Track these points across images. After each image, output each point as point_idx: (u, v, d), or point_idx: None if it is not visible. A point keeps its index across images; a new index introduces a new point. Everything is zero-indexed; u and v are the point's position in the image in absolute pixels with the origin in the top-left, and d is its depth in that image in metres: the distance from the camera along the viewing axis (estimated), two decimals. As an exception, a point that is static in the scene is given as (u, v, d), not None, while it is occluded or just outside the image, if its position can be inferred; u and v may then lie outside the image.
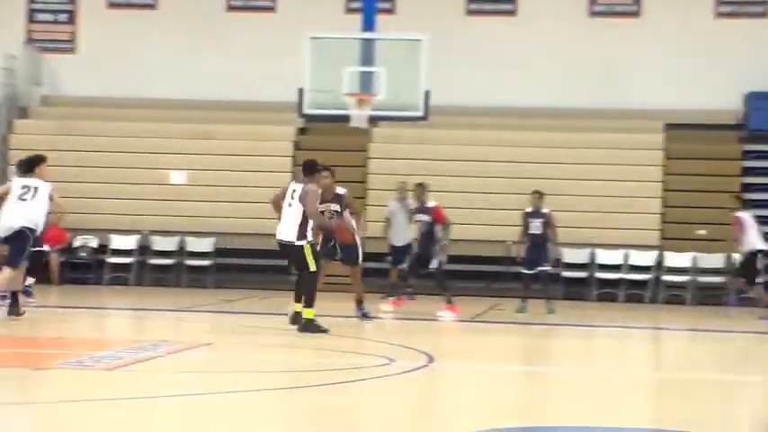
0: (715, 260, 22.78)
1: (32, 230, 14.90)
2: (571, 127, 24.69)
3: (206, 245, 23.20)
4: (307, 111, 20.76)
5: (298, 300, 14.50)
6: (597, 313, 20.29)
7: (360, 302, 16.16)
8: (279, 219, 14.45)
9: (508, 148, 24.38)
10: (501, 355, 13.63)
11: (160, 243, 22.97)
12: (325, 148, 24.63)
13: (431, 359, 12.09)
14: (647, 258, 22.93)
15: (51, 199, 15.19)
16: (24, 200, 14.91)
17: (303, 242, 14.14)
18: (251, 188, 23.70)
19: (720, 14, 25.46)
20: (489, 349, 14.24)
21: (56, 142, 24.39)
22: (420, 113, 20.46)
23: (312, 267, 14.16)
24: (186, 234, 23.46)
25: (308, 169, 14.55)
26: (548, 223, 19.12)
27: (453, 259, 20.08)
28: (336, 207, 15.55)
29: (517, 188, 23.57)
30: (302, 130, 25.30)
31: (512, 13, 25.84)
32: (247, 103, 25.18)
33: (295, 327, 14.29)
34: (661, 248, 23.26)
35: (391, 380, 10.83)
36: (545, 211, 19.21)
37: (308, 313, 14.16)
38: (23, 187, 14.98)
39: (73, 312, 17.74)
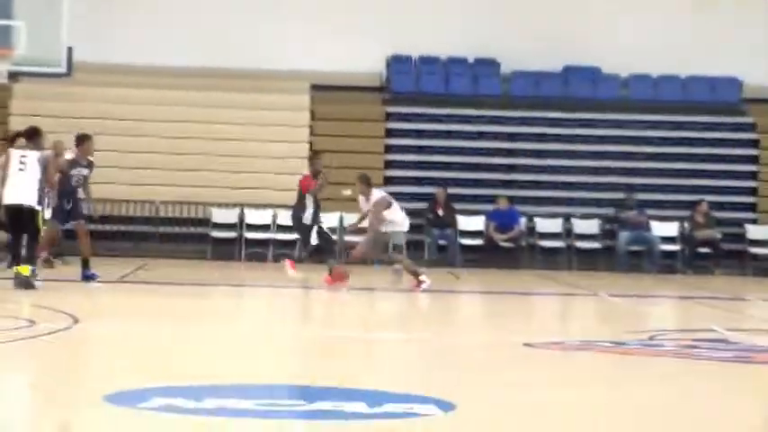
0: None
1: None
2: (219, 86, 24.64)
3: None
4: (-61, 64, 19.86)
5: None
6: (246, 273, 20.29)
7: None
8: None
9: (156, 107, 24.11)
10: (148, 316, 13.43)
11: None
12: (-38, 105, 23.68)
13: (75, 320, 11.76)
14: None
15: None
16: None
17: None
18: None
19: (363, -22, 25.96)
20: (135, 310, 14.01)
21: None
22: (63, 69, 19.94)
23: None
24: None
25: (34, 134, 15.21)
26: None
27: (101, 220, 19.78)
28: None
29: (165, 148, 23.42)
30: (-63, 85, 24.11)
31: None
32: None
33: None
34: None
35: (31, 342, 10.48)
36: None
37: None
38: None
39: None
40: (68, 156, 16.79)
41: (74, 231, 16.66)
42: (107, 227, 21.78)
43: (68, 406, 7.66)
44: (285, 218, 22.95)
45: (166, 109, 24.08)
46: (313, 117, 24.86)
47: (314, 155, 18.70)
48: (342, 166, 24.20)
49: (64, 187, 16.32)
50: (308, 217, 17.46)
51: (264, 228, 22.97)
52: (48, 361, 9.76)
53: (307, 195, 17.43)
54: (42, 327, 11.24)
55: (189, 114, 24.06)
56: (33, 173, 14.88)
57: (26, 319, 11.83)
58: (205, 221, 22.74)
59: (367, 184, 17.40)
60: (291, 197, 23.58)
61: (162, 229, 22.72)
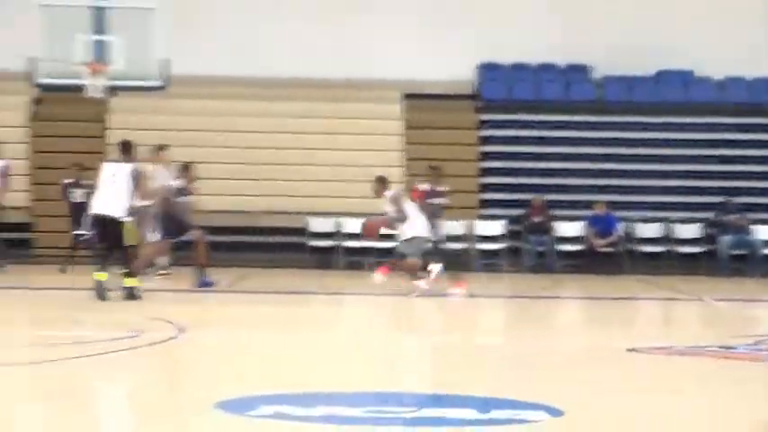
0: (457, 227, 23.21)
1: None
2: (312, 97, 24.75)
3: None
4: (40, 80, 20.26)
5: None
6: (345, 281, 20.36)
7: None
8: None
9: (250, 119, 24.28)
10: (251, 324, 13.51)
11: None
12: (62, 119, 24.04)
13: (181, 330, 11.88)
14: (388, 226, 23.17)
15: None
16: None
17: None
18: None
19: (456, -15, 25.92)
20: (239, 319, 14.12)
21: None
22: (158, 83, 20.22)
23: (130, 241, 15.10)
24: None
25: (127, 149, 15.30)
26: None
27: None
28: None
29: (260, 159, 23.58)
30: (38, 101, 24.52)
31: (249, -19, 25.66)
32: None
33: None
34: (403, 216, 23.56)
35: (139, 352, 10.59)
36: None
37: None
38: None
39: None
40: (176, 183, 17.24)
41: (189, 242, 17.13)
42: (207, 237, 21.95)
43: (179, 414, 7.73)
44: (381, 226, 23.05)
45: (263, 120, 24.25)
46: (406, 126, 24.88)
47: (435, 170, 18.89)
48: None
49: (170, 211, 16.68)
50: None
51: (361, 236, 23.00)
52: (156, 370, 9.87)
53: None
54: (149, 336, 11.36)
55: (284, 125, 24.20)
56: (123, 185, 14.94)
57: (133, 329, 11.94)
58: (302, 231, 22.86)
59: (383, 184, 17.04)
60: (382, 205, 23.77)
61: (261, 239, 22.87)
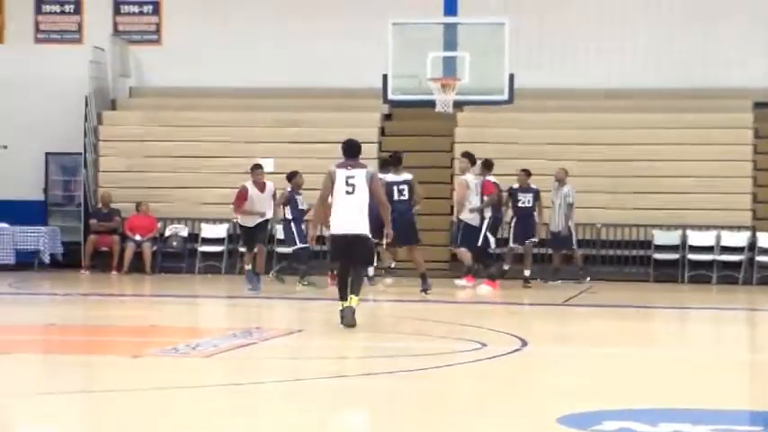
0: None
1: None
2: (659, 107, 24.40)
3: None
4: (391, 97, 20.84)
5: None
6: (690, 295, 20.06)
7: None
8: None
9: (595, 131, 24.18)
10: (595, 339, 13.52)
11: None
12: (411, 134, 24.68)
13: (524, 343, 12.02)
14: (739, 239, 22.61)
15: None
16: None
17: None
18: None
19: (809, -12, 24.98)
20: (583, 333, 14.14)
21: (144, 133, 24.77)
22: (505, 97, 20.42)
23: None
24: (275, 222, 23.63)
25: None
26: (536, 199, 20.86)
27: (544, 243, 20.55)
28: None
29: (607, 171, 23.45)
30: (387, 116, 25.28)
31: (598, -8, 25.55)
32: (332, 90, 25.16)
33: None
34: (753, 229, 22.94)
35: (485, 364, 10.80)
36: (534, 186, 20.96)
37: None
38: None
39: (166, 301, 17.90)
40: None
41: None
42: (550, 250, 22.11)
43: (523, 427, 7.86)
44: (729, 239, 22.52)
45: (605, 132, 24.09)
46: (756, 135, 24.16)
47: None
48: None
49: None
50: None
51: (708, 249, 22.53)
52: (501, 382, 10.04)
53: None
54: (494, 349, 11.56)
55: (628, 136, 23.96)
56: (362, 195, 12.97)
57: (476, 341, 12.18)
58: (647, 244, 22.59)
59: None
60: (735, 217, 23.18)
61: (604, 252, 22.78)
